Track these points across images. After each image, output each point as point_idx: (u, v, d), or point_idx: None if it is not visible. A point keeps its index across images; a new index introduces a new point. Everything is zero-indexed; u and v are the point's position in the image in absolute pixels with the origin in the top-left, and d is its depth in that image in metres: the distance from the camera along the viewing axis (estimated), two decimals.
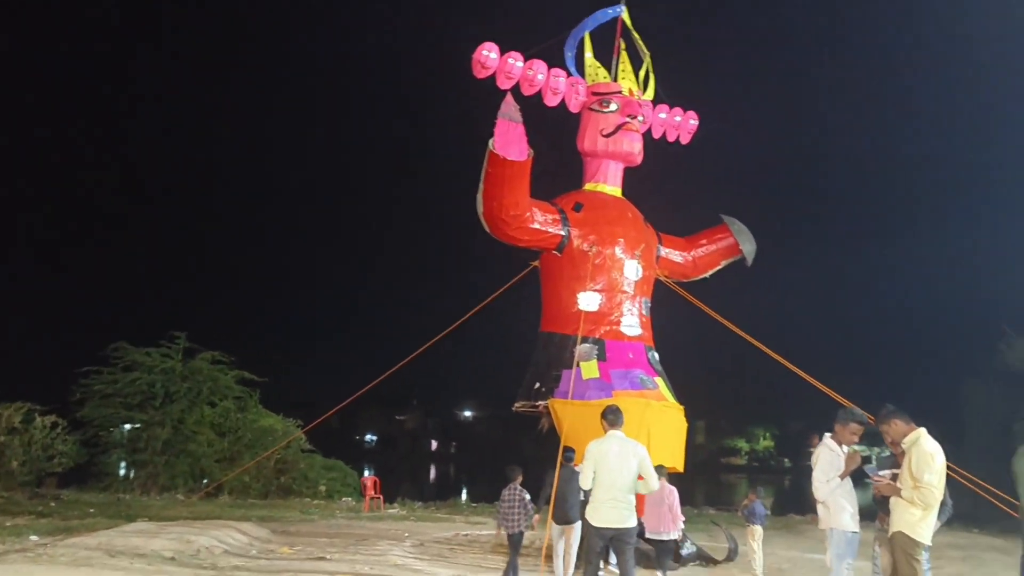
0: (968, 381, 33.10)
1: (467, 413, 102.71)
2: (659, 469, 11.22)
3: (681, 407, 12.83)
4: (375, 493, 19.77)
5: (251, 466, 21.10)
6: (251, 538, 12.67)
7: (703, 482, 54.79)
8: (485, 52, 12.63)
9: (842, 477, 5.96)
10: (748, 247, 14.61)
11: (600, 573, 7.67)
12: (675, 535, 10.70)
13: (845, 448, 6.13)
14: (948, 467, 12.17)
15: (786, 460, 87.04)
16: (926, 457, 5.46)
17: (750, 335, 14.83)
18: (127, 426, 22.90)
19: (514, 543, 9.45)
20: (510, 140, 12.04)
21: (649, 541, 10.70)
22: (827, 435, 6.20)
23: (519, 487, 9.51)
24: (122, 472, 23.00)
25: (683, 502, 29.54)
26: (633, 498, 6.53)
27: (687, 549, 11.71)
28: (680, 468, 12.18)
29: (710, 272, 14.89)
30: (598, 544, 6.45)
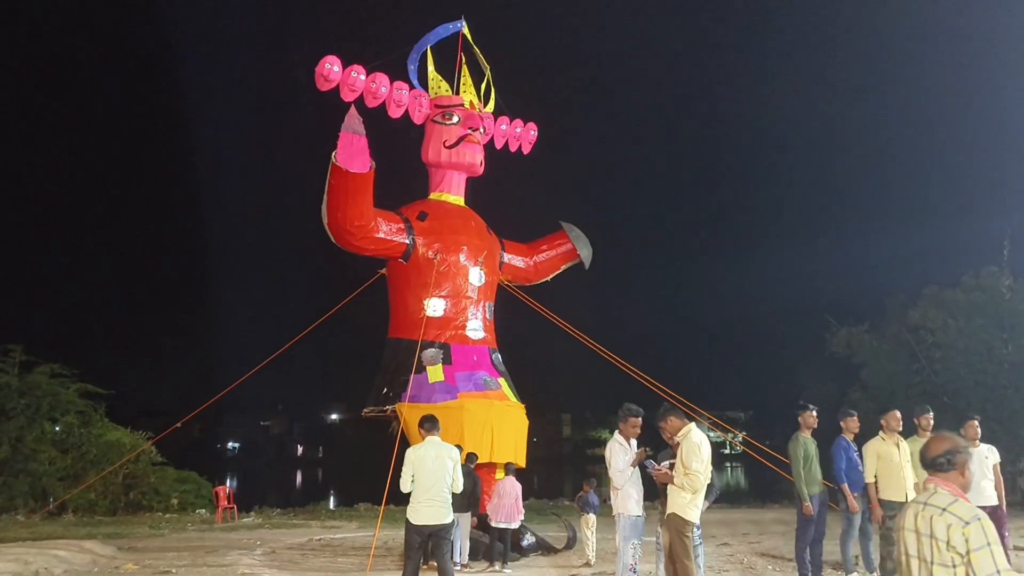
0: (801, 367, 35.82)
1: (334, 416, 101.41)
2: (507, 466, 12.04)
3: (523, 405, 13.50)
4: (228, 503, 19.58)
5: (96, 482, 20.37)
6: (95, 556, 12.42)
7: (571, 473, 56.45)
8: (328, 65, 12.89)
9: (634, 466, 6.72)
10: (585, 252, 15.49)
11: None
12: (516, 525, 11.50)
13: (633, 442, 6.91)
14: (770, 452, 13.28)
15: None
16: (694, 448, 6.26)
17: (599, 334, 15.64)
18: None
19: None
20: (353, 152, 12.36)
21: (494, 529, 11.38)
22: (616, 432, 6.95)
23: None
24: None
25: (551, 494, 30.42)
26: (449, 497, 7.10)
27: (527, 540, 12.41)
28: (522, 464, 12.84)
29: (551, 276, 15.68)
30: (416, 540, 6.97)
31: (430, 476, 6.96)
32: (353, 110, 12.57)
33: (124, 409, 24.63)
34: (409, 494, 7.06)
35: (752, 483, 42.56)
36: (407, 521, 6.98)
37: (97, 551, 12.74)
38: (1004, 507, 8.71)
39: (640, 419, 6.94)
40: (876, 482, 8.58)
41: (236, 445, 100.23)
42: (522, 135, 15.78)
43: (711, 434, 7.54)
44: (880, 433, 8.78)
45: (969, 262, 26.05)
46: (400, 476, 7.10)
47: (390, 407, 12.92)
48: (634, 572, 6.53)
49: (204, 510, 21.71)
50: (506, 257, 14.87)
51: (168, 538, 15.88)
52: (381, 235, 13.12)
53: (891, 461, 8.51)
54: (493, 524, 11.43)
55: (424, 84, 14.39)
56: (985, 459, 8.78)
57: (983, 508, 8.65)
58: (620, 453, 6.76)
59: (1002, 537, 8.52)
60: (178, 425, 15.27)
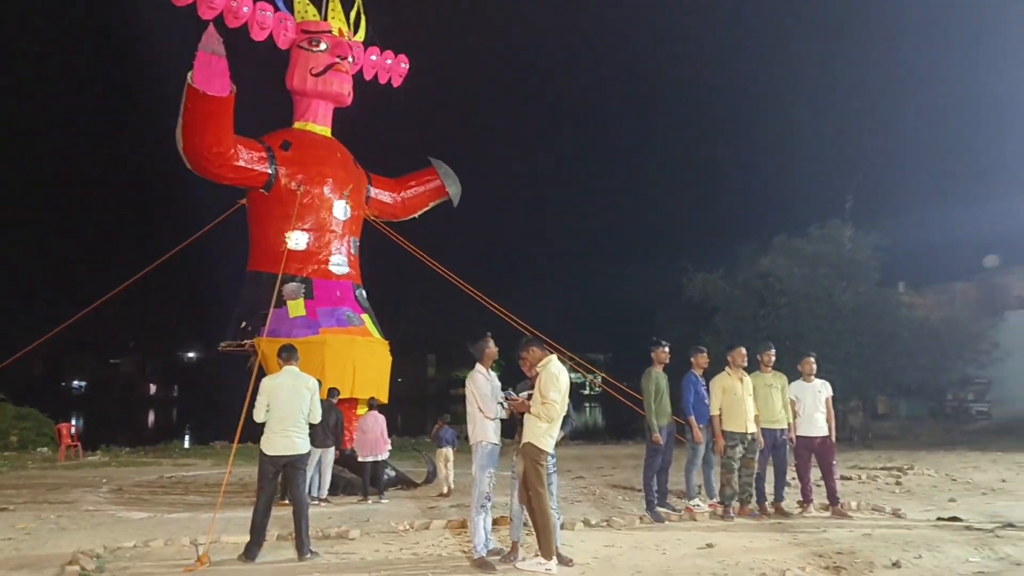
0: (659, 312, 37.22)
1: (191, 354, 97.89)
2: (370, 401, 11.99)
3: (386, 342, 13.41)
4: (72, 441, 18.65)
5: None
6: None
7: (434, 412, 56.92)
8: None
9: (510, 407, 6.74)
10: (454, 189, 15.40)
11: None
12: (384, 456, 11.55)
13: (493, 373, 6.98)
14: (628, 391, 13.72)
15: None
16: (552, 378, 6.40)
17: (466, 274, 15.58)
18: None
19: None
20: (211, 74, 11.72)
21: (362, 464, 11.37)
22: (477, 365, 6.97)
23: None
24: None
25: (413, 432, 30.49)
26: (306, 427, 6.99)
27: (387, 475, 12.46)
28: (384, 399, 12.78)
29: (419, 212, 15.49)
30: (270, 471, 6.84)
31: (286, 406, 6.82)
32: (212, 29, 11.87)
33: None
34: (264, 425, 6.90)
35: (609, 422, 44.23)
36: (260, 452, 6.83)
37: None
38: (833, 438, 9.40)
39: (493, 346, 6.95)
40: (720, 414, 9.08)
41: (82, 384, 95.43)
42: (392, 67, 15.36)
43: (573, 375, 7.66)
44: (726, 368, 9.26)
45: (816, 213, 27.64)
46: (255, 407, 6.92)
47: (248, 342, 12.55)
48: (488, 500, 6.65)
49: (46, 448, 20.62)
50: (373, 192, 14.58)
51: (6, 476, 15.05)
52: (241, 163, 12.58)
53: (735, 395, 9.00)
54: (360, 459, 11.42)
55: (290, 7, 13.74)
56: (819, 393, 9.43)
57: (815, 438, 9.39)
58: (483, 382, 6.79)
59: (830, 466, 9.24)
60: (13, 360, 14.25)
